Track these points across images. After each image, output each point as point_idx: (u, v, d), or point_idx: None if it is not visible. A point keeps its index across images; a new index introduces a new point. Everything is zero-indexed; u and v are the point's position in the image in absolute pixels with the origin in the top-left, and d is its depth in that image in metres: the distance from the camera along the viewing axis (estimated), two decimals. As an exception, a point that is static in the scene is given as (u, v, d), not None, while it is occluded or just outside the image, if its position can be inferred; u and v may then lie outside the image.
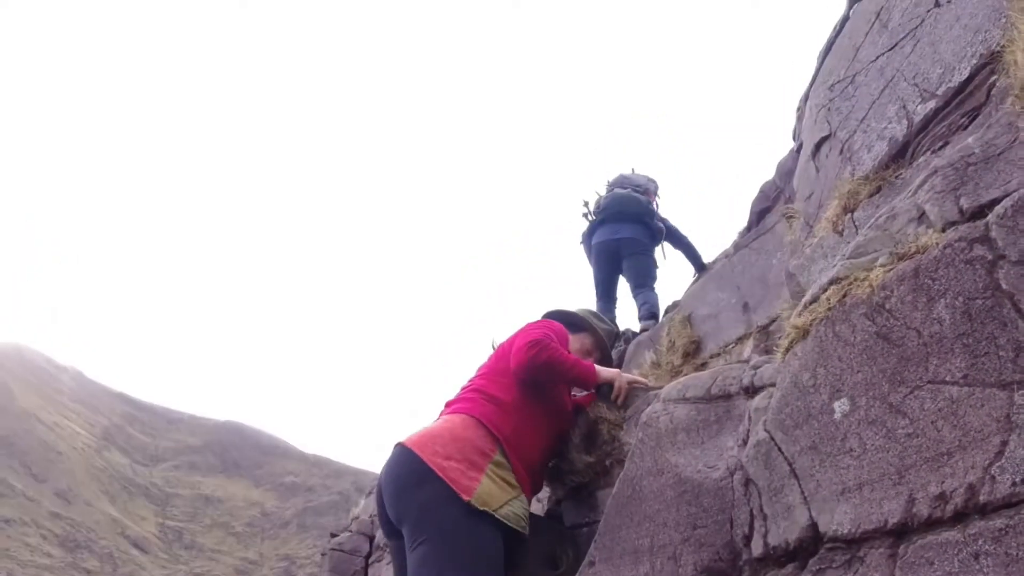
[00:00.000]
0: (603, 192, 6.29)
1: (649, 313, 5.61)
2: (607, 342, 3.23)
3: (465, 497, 2.28)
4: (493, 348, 2.96)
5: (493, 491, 2.34)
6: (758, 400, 1.74)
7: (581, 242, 6.34)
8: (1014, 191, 1.38)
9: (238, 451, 55.80)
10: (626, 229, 5.93)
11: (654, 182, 6.38)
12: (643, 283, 5.91)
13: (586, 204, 6.35)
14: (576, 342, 3.03)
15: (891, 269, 1.46)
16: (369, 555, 8.03)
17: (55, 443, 43.88)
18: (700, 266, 6.21)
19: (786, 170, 4.61)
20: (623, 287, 6.25)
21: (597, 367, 2.69)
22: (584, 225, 6.32)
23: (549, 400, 2.72)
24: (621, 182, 6.28)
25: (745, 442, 1.66)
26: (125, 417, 56.12)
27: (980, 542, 1.17)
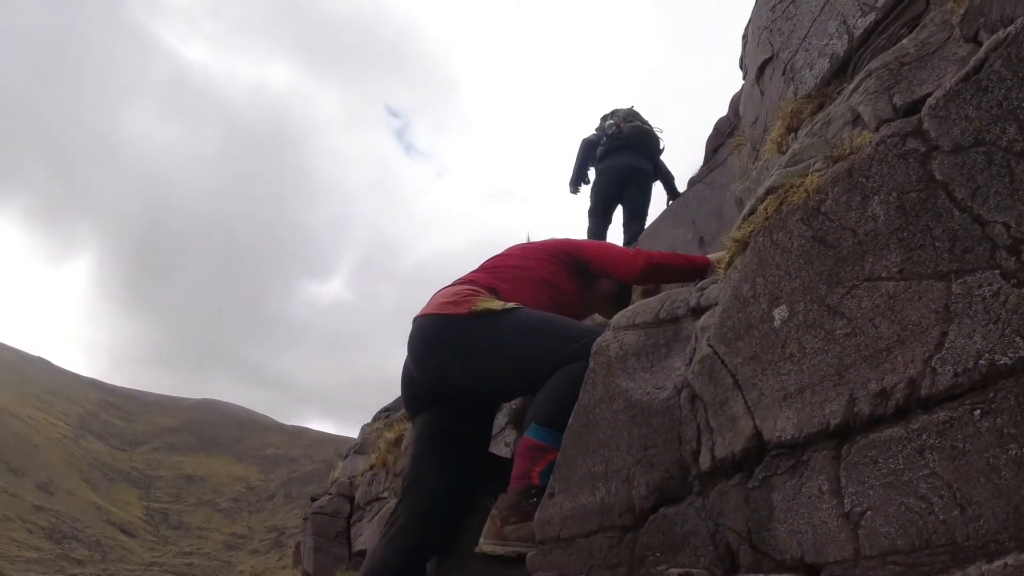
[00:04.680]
0: (610, 118, 6.46)
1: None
2: None
3: (464, 311, 2.31)
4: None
5: (491, 303, 2.36)
6: (704, 319, 1.72)
7: (581, 151, 6.55)
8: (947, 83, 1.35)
9: (216, 428, 55.61)
10: (643, 161, 6.25)
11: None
12: (638, 215, 6.25)
13: (612, 125, 6.38)
14: None
15: (825, 172, 1.43)
16: (350, 515, 8.07)
17: (31, 436, 43.38)
18: (673, 192, 6.46)
19: (739, 104, 4.58)
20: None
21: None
22: (590, 132, 6.60)
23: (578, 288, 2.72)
24: (637, 116, 6.45)
25: (692, 360, 1.65)
26: (99, 403, 55.58)
27: (924, 436, 1.16)
